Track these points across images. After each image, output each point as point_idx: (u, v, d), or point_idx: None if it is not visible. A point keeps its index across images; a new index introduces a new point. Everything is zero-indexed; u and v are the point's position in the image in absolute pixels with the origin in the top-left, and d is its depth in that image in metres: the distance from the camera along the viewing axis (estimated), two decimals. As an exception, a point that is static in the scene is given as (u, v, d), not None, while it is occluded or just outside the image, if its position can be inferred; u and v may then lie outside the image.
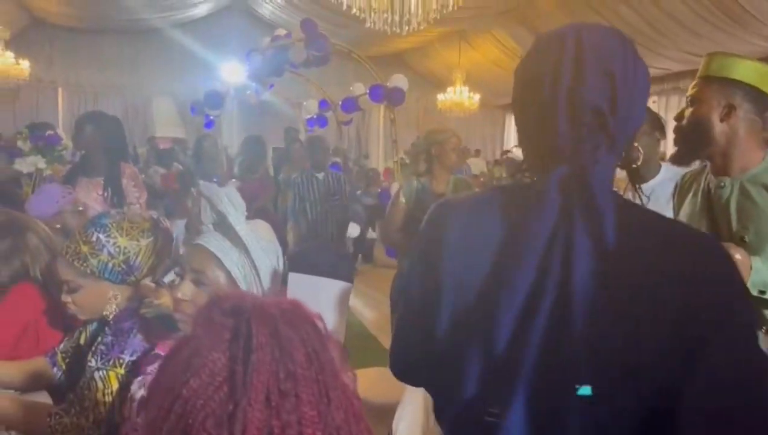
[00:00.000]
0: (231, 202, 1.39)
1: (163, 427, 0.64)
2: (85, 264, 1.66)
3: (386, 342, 4.69)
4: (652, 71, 9.97)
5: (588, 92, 0.88)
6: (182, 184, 5.33)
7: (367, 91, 5.01)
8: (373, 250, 7.65)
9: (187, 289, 1.35)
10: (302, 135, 7.34)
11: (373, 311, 5.46)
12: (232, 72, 6.28)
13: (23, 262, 2.11)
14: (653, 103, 9.24)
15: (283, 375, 0.65)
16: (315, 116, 6.68)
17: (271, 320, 0.68)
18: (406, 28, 5.86)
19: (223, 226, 1.40)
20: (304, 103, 6.68)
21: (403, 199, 3.33)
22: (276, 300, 0.73)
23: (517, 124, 1.00)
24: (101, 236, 1.67)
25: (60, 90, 10.84)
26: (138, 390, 1.40)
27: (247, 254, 1.37)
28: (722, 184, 1.74)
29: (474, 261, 0.91)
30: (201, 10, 10.44)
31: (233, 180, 4.51)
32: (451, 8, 5.70)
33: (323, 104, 6.42)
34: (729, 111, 1.68)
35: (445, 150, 3.37)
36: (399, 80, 4.85)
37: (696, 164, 1.92)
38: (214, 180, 4.59)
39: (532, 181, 0.96)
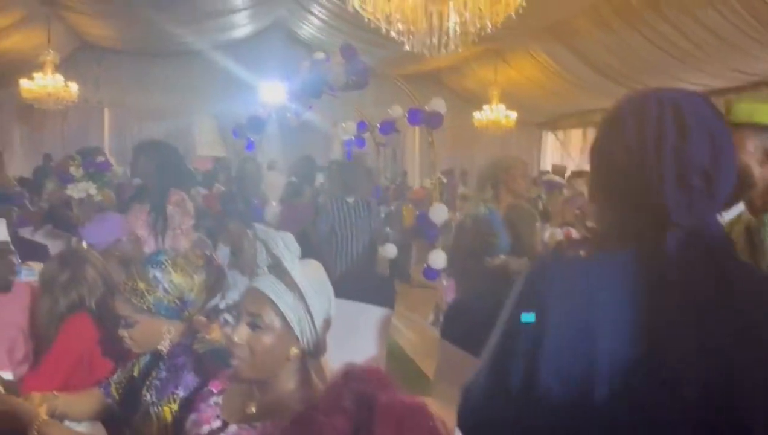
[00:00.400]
0: (286, 246, 1.42)
1: None
2: (142, 300, 1.71)
3: (424, 365, 4.69)
4: (693, 87, 9.82)
5: (695, 154, 0.89)
6: (224, 205, 5.43)
7: (406, 115, 5.04)
8: (410, 271, 7.66)
9: (243, 333, 1.37)
10: (338, 155, 7.41)
11: (410, 332, 5.45)
12: (271, 92, 6.39)
13: (80, 293, 2.19)
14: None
15: None
16: (353, 137, 6.74)
17: (398, 423, 0.72)
18: (444, 50, 5.88)
19: (277, 269, 1.43)
20: (342, 124, 6.74)
21: (469, 224, 3.31)
22: (403, 399, 0.75)
23: (602, 193, 0.98)
24: (157, 273, 1.73)
25: (106, 111, 11.18)
26: (192, 428, 1.42)
27: (302, 298, 1.39)
28: (765, 222, 1.75)
29: (602, 326, 0.88)
30: (242, 32, 10.67)
31: (273, 203, 4.56)
32: (489, 30, 5.70)
33: (361, 126, 6.48)
34: (766, 156, 1.70)
35: (513, 176, 3.33)
36: (438, 104, 4.87)
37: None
38: (255, 202, 4.67)
39: (639, 248, 0.92)
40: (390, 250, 5.38)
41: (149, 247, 3.26)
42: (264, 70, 8.61)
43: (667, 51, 8.33)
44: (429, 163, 12.65)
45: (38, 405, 1.72)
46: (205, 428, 1.40)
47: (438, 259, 4.89)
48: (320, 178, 6.21)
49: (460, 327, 3.02)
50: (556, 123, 14.14)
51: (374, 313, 3.21)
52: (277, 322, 1.38)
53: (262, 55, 10.59)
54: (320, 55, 5.76)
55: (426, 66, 11.11)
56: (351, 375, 0.80)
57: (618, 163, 0.94)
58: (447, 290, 5.17)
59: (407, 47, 6.12)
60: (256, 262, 1.47)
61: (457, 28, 5.96)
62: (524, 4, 5.25)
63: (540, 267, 0.99)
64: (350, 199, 4.60)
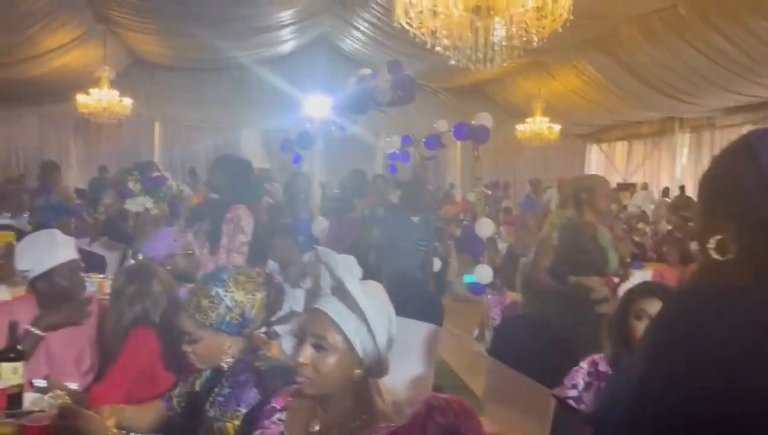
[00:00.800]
0: (348, 268, 1.45)
1: None
2: (205, 317, 1.77)
3: (468, 379, 4.64)
4: (746, 99, 9.56)
5: None
6: (271, 217, 5.52)
7: (452, 129, 5.05)
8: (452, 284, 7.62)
9: (307, 353, 1.40)
10: (381, 169, 7.45)
11: (453, 346, 5.41)
12: (315, 106, 6.49)
13: (144, 306, 2.26)
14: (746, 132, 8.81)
15: None
16: (397, 151, 6.78)
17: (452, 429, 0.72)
18: (489, 65, 5.88)
19: (340, 290, 1.45)
20: (387, 138, 6.79)
21: (554, 241, 3.26)
22: (486, 432, 0.77)
23: (729, 222, 0.98)
24: (220, 291, 1.78)
25: (157, 124, 11.54)
26: None
27: (364, 319, 1.41)
28: None
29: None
30: (287, 47, 10.89)
31: (320, 217, 4.61)
32: (534, 44, 5.68)
33: (406, 140, 6.51)
34: None
35: (595, 196, 3.27)
36: (484, 118, 4.87)
37: None
38: (303, 216, 4.73)
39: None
40: (435, 265, 5.38)
41: (204, 262, 3.33)
42: (308, 85, 8.75)
43: (718, 61, 8.14)
44: (471, 176, 12.65)
45: (107, 418, 1.78)
46: None
47: (484, 273, 4.88)
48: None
49: (512, 345, 3.00)
50: (600, 135, 13.94)
51: (423, 329, 3.21)
52: (340, 343, 1.40)
53: (306, 70, 10.77)
54: (366, 72, 5.84)
55: (469, 79, 11.12)
56: (434, 406, 0.81)
57: (751, 190, 0.95)
58: (492, 305, 5.14)
59: (452, 62, 6.16)
60: (319, 284, 1.50)
61: (503, 43, 5.97)
62: (571, 17, 5.21)
63: (698, 295, 0.97)
64: (416, 219, 4.57)
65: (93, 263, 4.17)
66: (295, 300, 4.11)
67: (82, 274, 2.62)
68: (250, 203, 3.57)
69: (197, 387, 2.00)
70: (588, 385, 2.21)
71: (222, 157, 3.80)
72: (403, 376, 3.07)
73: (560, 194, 9.71)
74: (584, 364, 2.24)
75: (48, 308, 2.36)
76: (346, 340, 1.41)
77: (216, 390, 1.78)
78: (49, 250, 2.40)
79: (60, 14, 7.33)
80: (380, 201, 6.20)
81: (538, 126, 11.23)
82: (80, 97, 8.83)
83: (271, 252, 4.18)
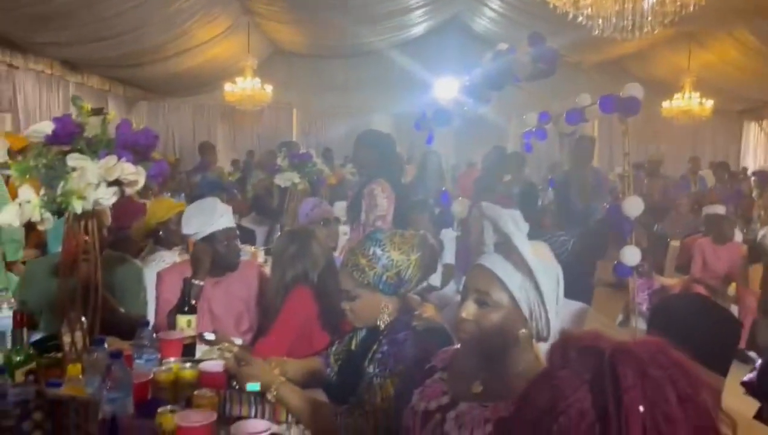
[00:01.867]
0: (516, 223, 1.40)
1: None
2: (362, 275, 1.80)
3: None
4: None
5: None
6: (406, 195, 5.56)
7: (597, 102, 4.77)
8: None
9: (470, 309, 1.37)
10: (516, 149, 7.22)
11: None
12: (445, 88, 6.42)
13: (305, 266, 2.37)
14: None
15: (660, 416, 0.63)
16: (533, 129, 6.54)
17: (638, 361, 0.67)
18: (638, 33, 5.50)
19: (505, 247, 1.40)
20: (524, 116, 6.57)
21: None
22: (640, 341, 0.71)
23: None
24: (377, 250, 1.80)
25: (294, 111, 12.08)
26: (419, 402, 1.45)
27: (531, 276, 1.36)
28: None
29: None
30: (419, 29, 10.90)
31: (460, 198, 4.56)
32: (691, 8, 5.22)
33: (543, 116, 6.26)
34: None
35: None
36: (634, 89, 4.53)
37: None
38: (443, 195, 4.71)
39: None
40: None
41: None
42: (439, 67, 8.68)
43: None
44: (608, 156, 11.97)
45: (274, 368, 1.88)
46: (433, 403, 1.42)
47: (632, 255, 4.57)
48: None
49: (674, 328, 2.80)
50: (760, 111, 12.60)
51: (572, 307, 3.08)
52: (505, 301, 1.36)
53: (437, 52, 10.72)
54: (503, 46, 5.67)
55: (608, 54, 10.49)
56: (567, 334, 0.74)
57: None
58: (639, 290, 4.83)
59: (596, 32, 5.83)
60: (483, 240, 1.46)
61: (652, 9, 5.56)
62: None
63: None
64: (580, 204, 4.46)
65: (245, 236, 4.48)
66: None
67: (238, 242, 2.79)
68: (392, 177, 3.62)
69: (353, 346, 2.06)
70: None
71: (366, 131, 3.88)
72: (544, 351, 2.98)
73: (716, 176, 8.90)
74: None
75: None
76: (511, 297, 1.36)
77: (374, 348, 1.80)
78: (210, 217, 2.57)
79: (211, 8, 7.85)
80: (516, 180, 6.05)
81: (687, 102, 10.36)
82: (227, 86, 9.43)
83: (408, 227, 4.21)
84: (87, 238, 1.75)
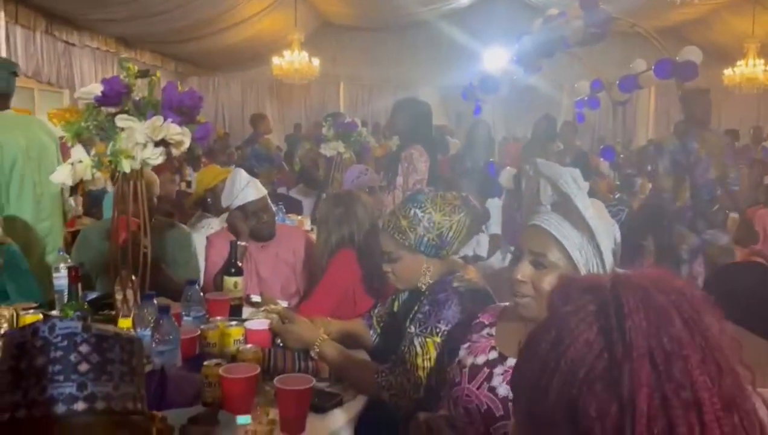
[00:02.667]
0: (576, 182, 1.34)
1: (545, 400, 0.65)
2: (403, 237, 1.79)
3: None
4: None
5: None
6: (452, 167, 5.52)
7: (652, 68, 4.60)
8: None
9: (526, 270, 1.33)
10: (569, 117, 7.07)
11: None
12: (495, 58, 6.28)
13: (350, 229, 2.39)
14: None
15: (666, 337, 0.62)
16: (585, 98, 6.38)
17: (639, 287, 0.66)
18: (697, -5, 5.23)
19: (563, 207, 1.35)
20: (575, 84, 6.40)
21: None
22: (641, 271, 0.70)
23: None
24: (418, 212, 1.79)
25: (341, 84, 12.09)
26: (467, 356, 1.44)
27: (591, 237, 1.31)
28: None
29: None
30: (466, -1, 10.70)
31: (508, 168, 4.49)
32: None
33: (596, 84, 6.09)
34: None
35: None
36: (691, 53, 4.36)
37: None
38: (489, 165, 4.65)
39: None
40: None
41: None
42: (487, 37, 8.50)
43: None
44: (666, 125, 11.53)
45: (318, 327, 1.91)
46: (481, 358, 1.41)
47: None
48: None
49: (727, 299, 2.70)
50: (832, 79, 11.89)
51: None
52: (562, 262, 1.31)
53: (485, 22, 10.49)
54: (554, 11, 5.51)
55: (666, 20, 10.05)
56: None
57: None
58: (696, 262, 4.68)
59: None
60: (538, 199, 1.41)
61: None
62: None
63: None
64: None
65: (292, 206, 4.55)
66: (478, 244, 4.10)
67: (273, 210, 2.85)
68: (427, 143, 3.64)
69: (395, 308, 2.07)
70: None
71: (401, 100, 3.96)
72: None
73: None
74: None
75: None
76: (569, 258, 1.31)
77: (416, 308, 1.80)
78: (232, 190, 2.67)
79: (259, -20, 7.90)
80: (568, 150, 5.91)
81: (751, 70, 9.86)
82: (275, 60, 9.49)
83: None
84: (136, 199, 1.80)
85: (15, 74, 3.24)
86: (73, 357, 0.74)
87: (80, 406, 0.73)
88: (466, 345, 1.46)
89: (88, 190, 5.16)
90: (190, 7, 7.33)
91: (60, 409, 0.73)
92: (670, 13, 9.15)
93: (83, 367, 0.75)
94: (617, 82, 5.55)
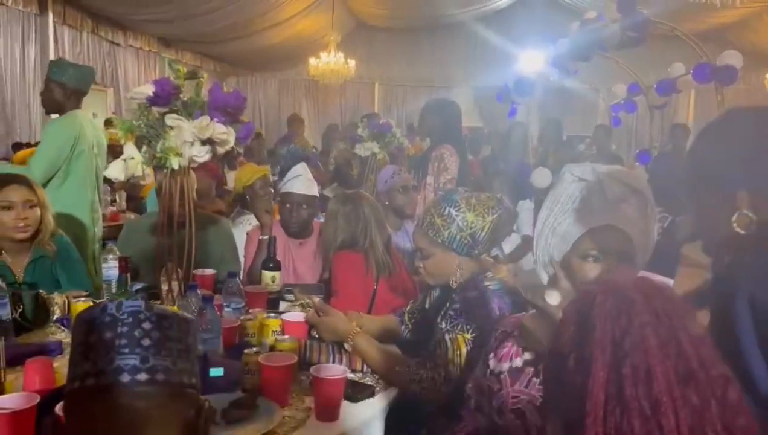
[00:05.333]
0: (643, 179, 1.42)
1: (562, 379, 0.80)
2: (437, 234, 1.84)
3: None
4: None
5: None
6: (486, 171, 5.54)
7: (691, 71, 4.54)
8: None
9: (596, 271, 1.36)
10: (606, 121, 7.01)
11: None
12: (531, 61, 6.26)
13: (357, 227, 2.48)
14: None
15: (625, 320, 0.76)
16: (622, 101, 6.31)
17: (614, 285, 0.80)
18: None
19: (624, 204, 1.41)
20: (612, 87, 6.35)
21: None
22: (628, 276, 0.85)
23: None
24: (452, 211, 1.84)
25: (376, 85, 12.18)
26: (499, 364, 1.47)
27: (650, 219, 1.37)
28: None
29: None
30: (504, 1, 10.66)
31: (541, 168, 4.49)
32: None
33: (633, 88, 6.02)
34: None
35: None
36: (731, 57, 4.29)
37: None
38: (524, 168, 4.65)
39: None
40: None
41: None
42: (523, 39, 8.46)
43: None
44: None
45: (352, 321, 1.98)
46: (517, 361, 1.44)
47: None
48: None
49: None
50: None
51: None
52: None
53: (522, 24, 10.43)
54: (592, 14, 5.48)
55: (707, 23, 9.86)
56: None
57: None
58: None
59: (694, -2, 5.52)
60: (591, 201, 1.44)
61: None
62: None
63: None
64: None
65: (326, 205, 4.63)
66: (509, 244, 4.11)
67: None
68: (457, 143, 3.70)
69: (427, 305, 2.12)
70: None
71: (430, 101, 4.03)
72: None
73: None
74: None
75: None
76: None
77: (447, 305, 1.85)
78: (286, 177, 2.85)
79: (297, -17, 8.04)
80: (601, 153, 5.88)
81: (797, 73, 9.64)
82: (312, 61, 9.62)
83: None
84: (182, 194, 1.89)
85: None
86: (137, 332, 0.82)
87: (143, 376, 0.81)
88: (492, 354, 1.50)
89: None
90: (232, 8, 7.50)
91: (125, 378, 0.81)
92: (711, 16, 8.99)
93: (146, 341, 0.83)
94: (655, 85, 5.49)
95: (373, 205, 2.61)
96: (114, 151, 6.17)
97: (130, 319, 0.83)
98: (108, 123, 7.46)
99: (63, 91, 3.38)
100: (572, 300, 0.85)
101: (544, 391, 0.84)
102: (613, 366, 0.73)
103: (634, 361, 0.72)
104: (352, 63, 9.63)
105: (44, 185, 3.08)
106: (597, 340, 0.75)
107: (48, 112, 3.79)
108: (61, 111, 3.44)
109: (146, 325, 0.83)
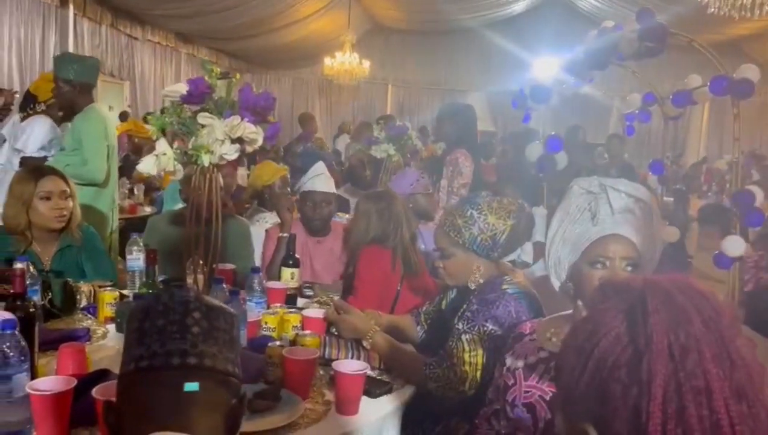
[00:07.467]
0: (641, 189, 1.50)
1: (580, 381, 0.77)
2: (458, 235, 1.88)
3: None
4: None
5: None
6: (499, 176, 5.57)
7: (708, 84, 4.55)
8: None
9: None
10: (619, 130, 7.03)
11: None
12: (545, 67, 6.29)
13: (389, 225, 2.51)
14: None
15: (683, 335, 0.72)
16: (636, 111, 6.31)
17: (663, 290, 0.76)
18: (758, 12, 5.18)
19: (629, 212, 1.49)
20: (627, 97, 6.36)
21: None
22: (669, 276, 0.80)
23: None
24: (474, 213, 1.88)
25: (389, 86, 12.23)
26: (515, 361, 1.52)
27: (652, 232, 1.46)
28: None
29: None
30: (518, 7, 10.69)
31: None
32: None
33: (648, 98, 6.02)
34: None
35: None
36: (749, 70, 4.29)
37: None
38: (541, 174, 4.69)
39: None
40: (672, 234, 4.98)
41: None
42: (538, 46, 8.51)
43: None
44: (717, 143, 11.29)
45: (370, 319, 2.02)
46: (532, 358, 1.49)
47: (735, 245, 4.37)
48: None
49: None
50: None
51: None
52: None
53: (537, 31, 10.48)
54: (609, 23, 5.50)
55: (724, 34, 9.86)
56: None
57: None
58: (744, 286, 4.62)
59: (711, 9, 5.55)
60: (598, 211, 1.49)
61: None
62: None
63: None
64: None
65: (341, 205, 4.67)
66: (522, 250, 4.15)
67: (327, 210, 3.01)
68: (472, 148, 3.73)
69: (443, 306, 2.16)
70: None
71: (446, 105, 4.06)
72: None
73: None
74: None
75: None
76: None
77: (464, 306, 1.89)
78: (306, 175, 2.94)
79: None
80: (614, 162, 5.90)
81: (812, 88, 9.59)
82: (327, 60, 9.69)
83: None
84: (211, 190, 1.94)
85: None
86: (188, 320, 0.87)
87: (192, 360, 0.86)
88: (510, 352, 1.54)
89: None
90: (249, 6, 7.57)
91: (175, 361, 0.86)
92: (729, 27, 8.98)
93: (195, 329, 0.88)
94: (670, 96, 5.50)
95: (404, 204, 2.67)
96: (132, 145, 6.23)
97: (182, 308, 0.88)
98: (123, 115, 7.55)
99: (71, 87, 3.39)
100: (603, 297, 0.81)
101: (562, 389, 0.84)
102: (671, 383, 0.70)
103: (694, 381, 0.70)
104: (366, 63, 9.68)
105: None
106: (655, 353, 0.71)
107: (64, 118, 3.78)
108: (75, 109, 3.45)
109: (196, 315, 0.88)
